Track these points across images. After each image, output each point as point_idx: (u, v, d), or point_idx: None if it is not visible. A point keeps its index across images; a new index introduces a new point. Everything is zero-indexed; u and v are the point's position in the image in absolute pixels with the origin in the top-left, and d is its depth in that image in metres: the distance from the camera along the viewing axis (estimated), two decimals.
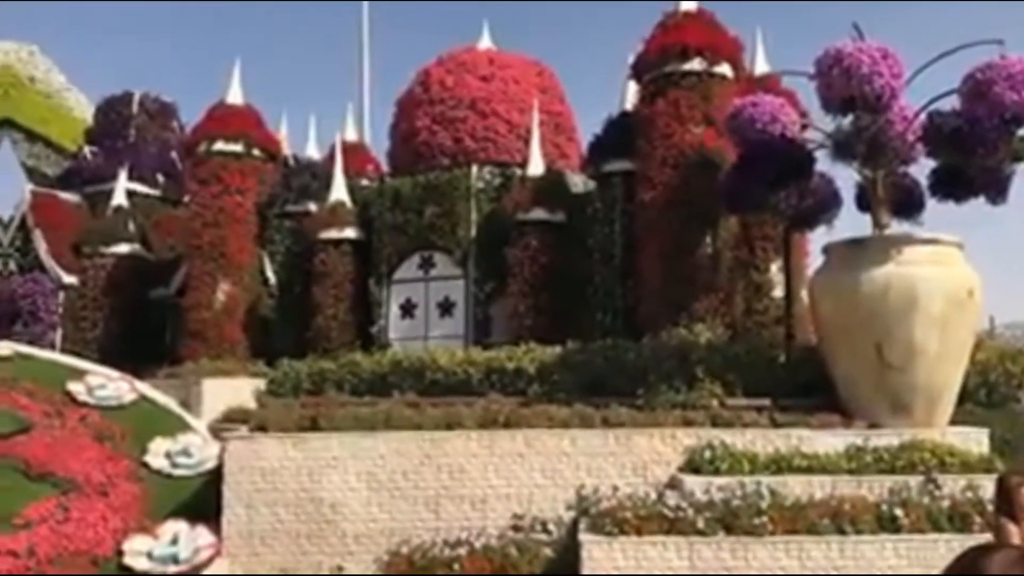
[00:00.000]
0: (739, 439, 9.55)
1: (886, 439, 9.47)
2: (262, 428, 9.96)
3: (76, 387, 11.71)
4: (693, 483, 8.84)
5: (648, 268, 12.71)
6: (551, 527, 9.11)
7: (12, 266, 17.54)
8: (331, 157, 16.13)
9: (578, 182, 15.01)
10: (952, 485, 8.55)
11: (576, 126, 17.56)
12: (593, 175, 14.48)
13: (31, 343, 14.59)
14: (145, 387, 12.28)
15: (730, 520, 8.07)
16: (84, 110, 22.02)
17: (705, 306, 12.13)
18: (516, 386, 11.78)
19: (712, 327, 11.75)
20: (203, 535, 9.31)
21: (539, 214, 14.20)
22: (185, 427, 11.41)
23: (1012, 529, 5.29)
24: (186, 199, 17.04)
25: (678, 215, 12.36)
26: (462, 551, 8.60)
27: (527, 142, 15.26)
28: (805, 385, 10.73)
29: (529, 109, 15.75)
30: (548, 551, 8.69)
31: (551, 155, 15.62)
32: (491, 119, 16.17)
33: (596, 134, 14.41)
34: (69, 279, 16.99)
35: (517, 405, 10.64)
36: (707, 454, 9.34)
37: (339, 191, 15.55)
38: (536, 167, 14.68)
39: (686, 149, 12.51)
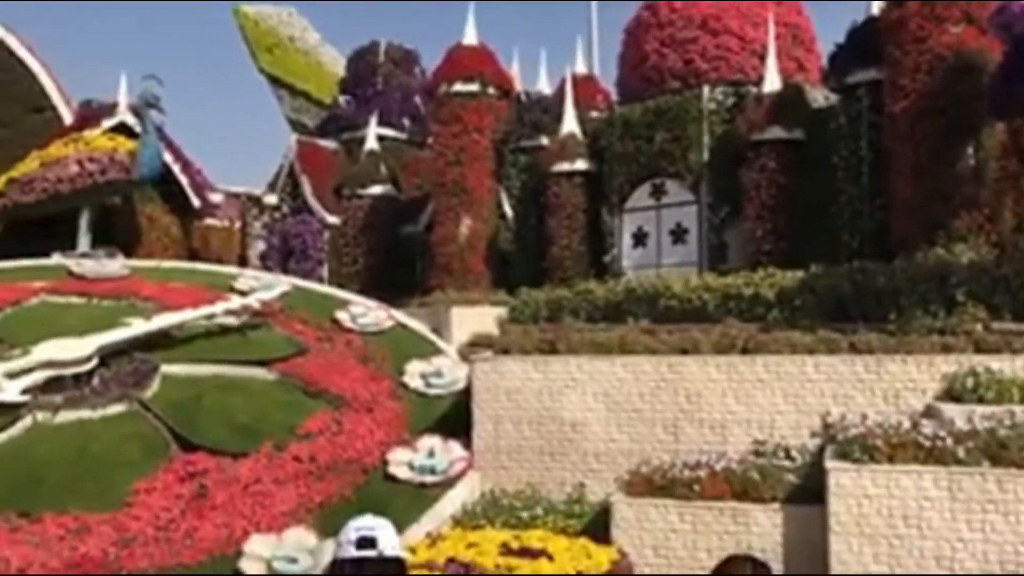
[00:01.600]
0: (1008, 365, 8.84)
1: None
2: (505, 351, 10.51)
3: (342, 315, 12.88)
4: (953, 412, 8.31)
5: (900, 185, 11.89)
6: (794, 454, 8.94)
7: (285, 209, 19.41)
8: (561, 91, 16.31)
9: (818, 96, 14.20)
10: None
11: (815, 37, 16.53)
12: (835, 88, 13.65)
13: (303, 277, 16.17)
14: (400, 315, 13.29)
15: (996, 451, 7.54)
16: (336, 64, 23.60)
17: (967, 223, 11.21)
18: (754, 312, 11.54)
19: (975, 246, 10.87)
20: (456, 449, 10.07)
21: (776, 133, 13.63)
22: (437, 351, 12.27)
23: None
24: (430, 140, 17.94)
25: (934, 125, 11.43)
26: (702, 473, 8.67)
27: (762, 58, 14.61)
28: None
29: (764, 23, 15.02)
30: (792, 477, 8.56)
31: (788, 70, 14.86)
32: (723, 36, 15.58)
33: (838, 44, 13.53)
34: (332, 219, 18.55)
35: (756, 331, 10.45)
36: (969, 381, 8.72)
37: (570, 124, 15.74)
38: (772, 83, 14.05)
39: (943, 52, 11.48)
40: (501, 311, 13.48)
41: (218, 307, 12.20)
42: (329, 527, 8.64)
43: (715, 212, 14.46)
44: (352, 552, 2.71)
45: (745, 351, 9.80)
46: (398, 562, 2.79)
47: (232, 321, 12.36)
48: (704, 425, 9.59)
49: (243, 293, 13.20)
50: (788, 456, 8.95)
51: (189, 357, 11.42)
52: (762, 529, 8.19)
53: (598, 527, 8.79)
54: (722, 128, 14.48)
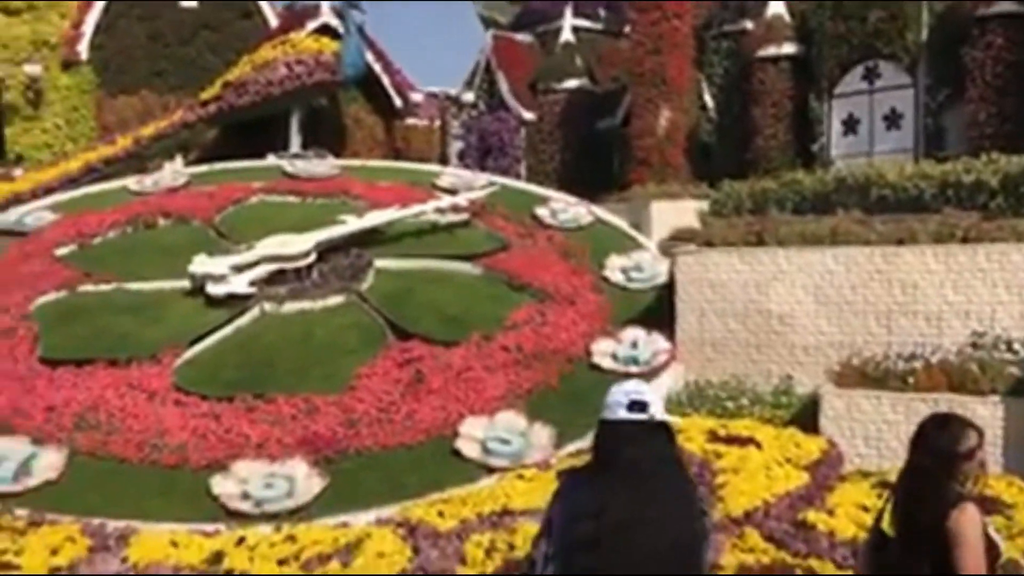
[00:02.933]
0: None
1: None
2: (709, 244, 10.42)
3: (542, 211, 13.07)
4: None
5: None
6: (1017, 346, 8.49)
7: (482, 107, 19.73)
8: None
9: None
10: None
11: None
12: None
13: (501, 174, 16.48)
14: (599, 210, 13.35)
15: None
16: None
17: None
18: (975, 200, 10.80)
19: None
20: (659, 341, 10.19)
21: (1006, 7, 12.46)
22: (636, 246, 12.28)
23: None
24: (627, 29, 17.55)
25: None
26: (917, 365, 8.40)
27: None
28: None
29: None
30: (1014, 370, 8.14)
31: None
32: None
33: None
34: (528, 115, 18.69)
35: (977, 220, 9.82)
36: None
37: (776, 5, 14.96)
38: None
39: None
40: (702, 205, 13.29)
41: (428, 205, 12.63)
42: (537, 412, 9.03)
43: (933, 95, 13.60)
44: (623, 414, 2.74)
45: (965, 240, 9.25)
46: (667, 426, 2.81)
47: (438, 218, 12.77)
48: (919, 317, 9.21)
49: (445, 190, 13.58)
50: (1010, 349, 8.52)
51: (399, 252, 11.92)
52: (981, 422, 7.78)
53: (806, 418, 8.74)
54: (943, 5, 13.35)
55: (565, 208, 13.17)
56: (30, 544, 6.40)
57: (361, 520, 7.23)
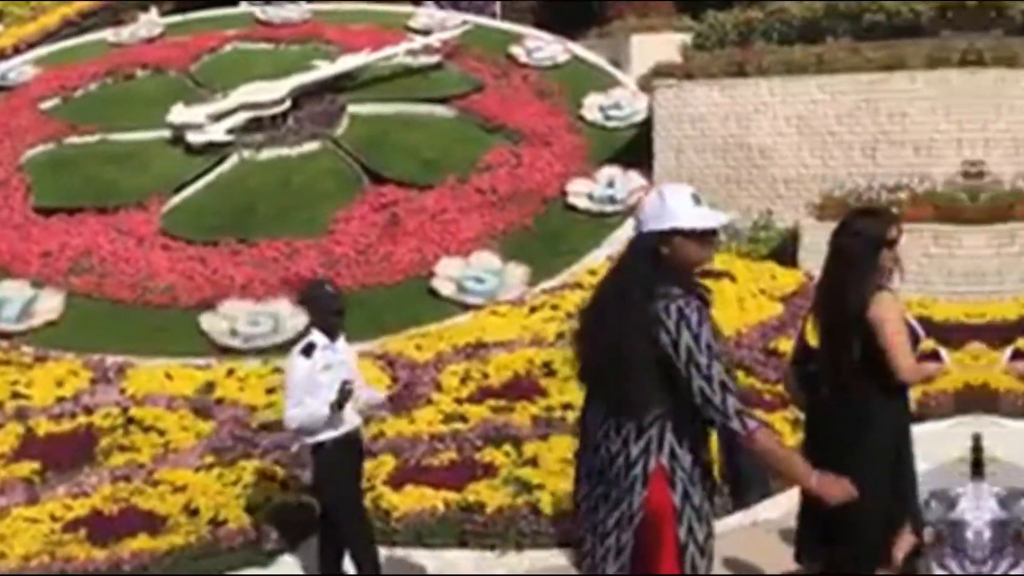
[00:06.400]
0: None
1: None
2: (689, 76, 9.97)
3: (517, 50, 12.57)
4: None
5: None
6: (1009, 176, 8.23)
7: None
8: None
9: None
10: None
11: None
12: None
13: (476, 13, 15.71)
14: (577, 47, 12.84)
15: None
16: None
17: None
18: (977, 23, 10.24)
19: None
20: (636, 179, 9.92)
21: None
22: (615, 83, 11.89)
23: None
24: None
25: None
26: (902, 195, 8.15)
27: None
28: None
29: None
30: (1005, 199, 7.90)
31: None
32: None
33: None
34: None
35: (975, 42, 9.32)
36: None
37: None
38: None
39: None
40: (685, 37, 12.67)
41: (401, 47, 12.24)
42: (511, 252, 9.06)
43: None
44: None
45: (961, 64, 8.82)
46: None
47: (411, 61, 12.38)
48: (907, 146, 8.89)
49: (418, 32, 13.13)
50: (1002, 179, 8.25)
51: (372, 97, 11.65)
52: (967, 251, 7.70)
53: (785, 253, 8.59)
54: None
55: (541, 47, 12.67)
56: (37, 377, 6.98)
57: None
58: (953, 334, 6.35)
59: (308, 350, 4.22)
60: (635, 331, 2.48)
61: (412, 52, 12.39)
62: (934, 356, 3.30)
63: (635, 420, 2.52)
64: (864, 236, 3.36)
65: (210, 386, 6.83)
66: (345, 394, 4.13)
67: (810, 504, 3.37)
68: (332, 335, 4.30)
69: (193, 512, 5.02)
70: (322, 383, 4.17)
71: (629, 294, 2.53)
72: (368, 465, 4.93)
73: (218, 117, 10.88)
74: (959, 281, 7.71)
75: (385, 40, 12.53)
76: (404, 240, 9.24)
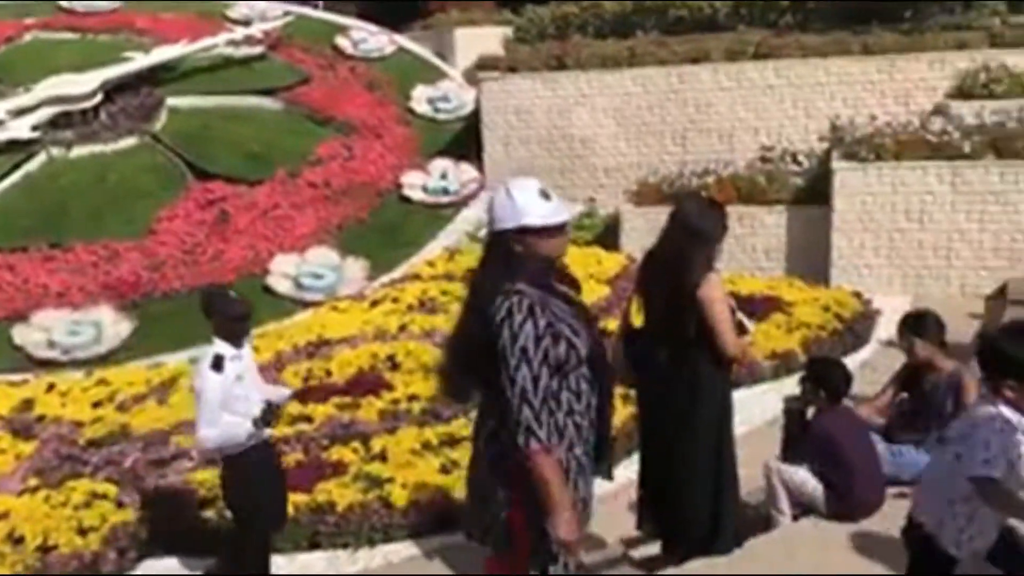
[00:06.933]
0: (1023, 60, 8.67)
1: None
2: (512, 69, 10.32)
3: (343, 42, 12.55)
4: (962, 108, 8.30)
5: None
6: (802, 158, 9.04)
7: None
8: None
9: None
10: None
11: None
12: None
13: (298, 3, 15.45)
14: (402, 39, 12.92)
15: (1002, 144, 7.60)
16: None
17: None
18: (767, 19, 11.18)
19: None
20: (467, 171, 10.21)
21: None
22: (442, 75, 12.09)
23: None
24: None
25: None
26: (709, 180, 8.81)
27: None
28: None
29: None
30: (798, 180, 8.70)
31: None
32: None
33: None
34: None
35: (768, 36, 10.18)
36: (981, 77, 8.61)
37: None
38: None
39: None
40: (507, 31, 13.05)
41: (220, 38, 11.90)
42: (349, 246, 9.11)
43: None
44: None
45: (756, 56, 9.61)
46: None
47: (232, 52, 12.05)
48: (712, 135, 9.62)
49: (237, 22, 12.81)
50: (795, 161, 9.07)
51: (193, 90, 11.29)
52: (768, 231, 8.46)
53: (608, 237, 9.09)
54: None
55: (366, 38, 12.69)
56: None
57: (173, 361, 7.22)
58: (758, 307, 6.97)
59: (218, 364, 3.96)
60: (481, 327, 2.54)
61: (234, 43, 12.05)
62: (739, 327, 3.58)
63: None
64: (701, 235, 3.48)
65: (28, 403, 6.43)
66: (271, 415, 4.00)
67: (646, 475, 3.71)
68: (237, 342, 4.10)
69: (18, 540, 4.63)
70: (238, 396, 3.99)
71: (480, 292, 2.61)
72: (213, 473, 4.70)
73: (20, 113, 10.22)
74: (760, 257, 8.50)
75: (202, 30, 12.15)
76: (235, 238, 9.04)
